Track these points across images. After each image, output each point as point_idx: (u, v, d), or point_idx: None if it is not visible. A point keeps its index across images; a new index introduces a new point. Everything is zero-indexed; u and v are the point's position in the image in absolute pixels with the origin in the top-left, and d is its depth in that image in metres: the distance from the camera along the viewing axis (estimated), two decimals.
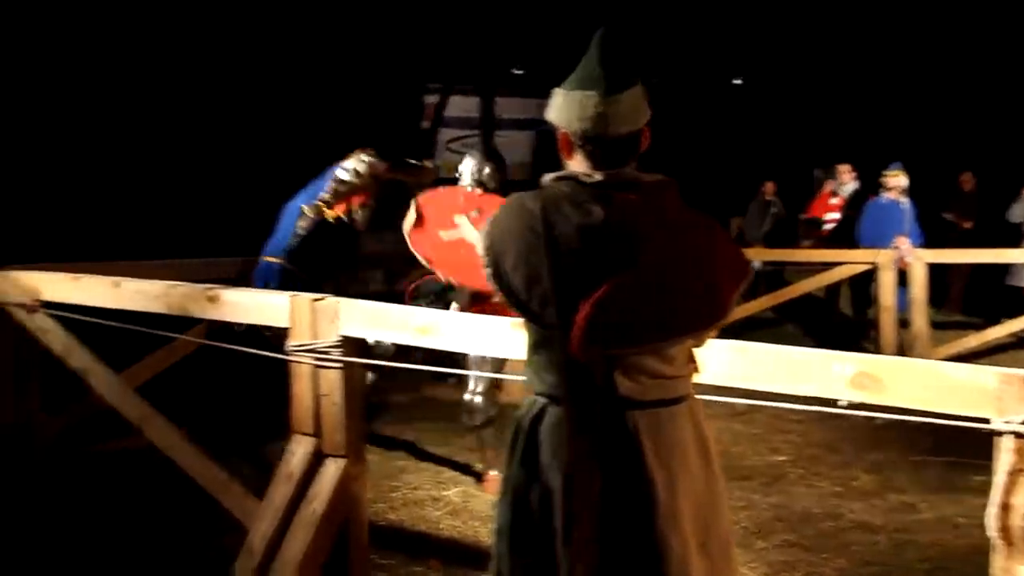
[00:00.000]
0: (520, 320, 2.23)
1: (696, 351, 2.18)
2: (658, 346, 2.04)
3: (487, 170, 5.71)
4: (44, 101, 12.61)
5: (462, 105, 19.91)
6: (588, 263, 1.99)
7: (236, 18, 14.44)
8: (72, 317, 4.17)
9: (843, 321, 10.01)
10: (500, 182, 5.77)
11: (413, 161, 6.17)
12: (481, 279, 5.78)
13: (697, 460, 2.13)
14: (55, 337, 4.19)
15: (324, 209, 5.70)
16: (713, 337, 2.26)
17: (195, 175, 13.04)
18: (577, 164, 2.13)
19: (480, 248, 2.14)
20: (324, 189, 5.72)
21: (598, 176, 2.06)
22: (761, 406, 2.66)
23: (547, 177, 2.14)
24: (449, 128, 20.06)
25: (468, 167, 5.67)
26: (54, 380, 4.55)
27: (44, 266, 4.42)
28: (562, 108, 2.11)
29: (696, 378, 2.21)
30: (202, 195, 12.64)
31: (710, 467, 2.16)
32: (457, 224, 5.35)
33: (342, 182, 5.71)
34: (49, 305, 4.21)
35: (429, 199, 5.52)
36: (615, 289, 1.96)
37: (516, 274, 2.06)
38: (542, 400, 2.14)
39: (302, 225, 5.69)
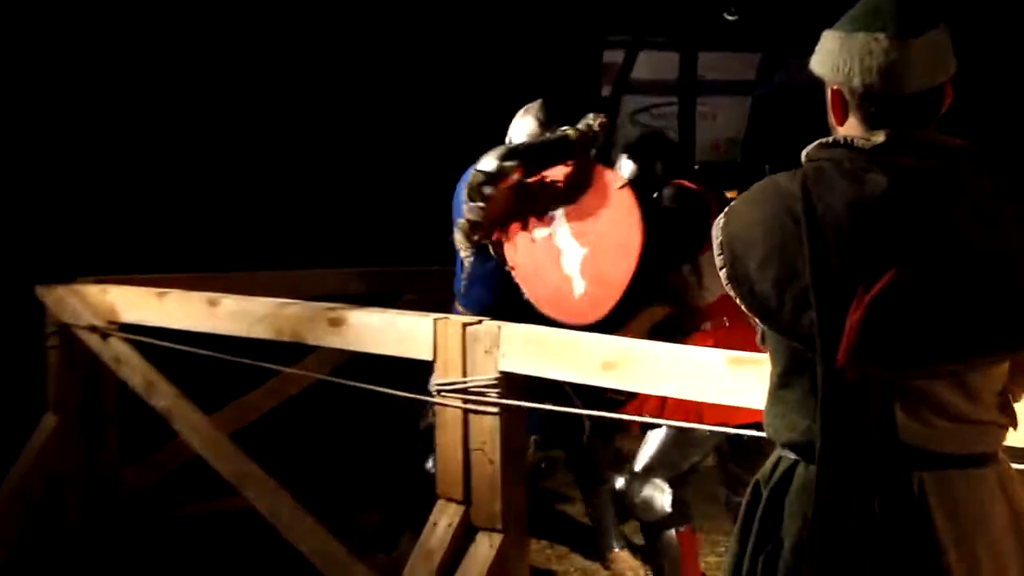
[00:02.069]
0: (742, 354, 2.13)
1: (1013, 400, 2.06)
2: (958, 368, 1.94)
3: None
4: (134, 97, 13.33)
5: (654, 64, 19.70)
6: (862, 250, 1.93)
7: None
8: (156, 344, 4.30)
9: None
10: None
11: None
12: (564, 309, 4.55)
13: (1010, 545, 2.02)
14: (134, 368, 4.33)
15: (471, 239, 4.71)
16: None
17: (335, 159, 13.47)
18: (851, 129, 2.08)
19: (713, 247, 2.12)
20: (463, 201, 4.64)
21: (879, 138, 2.00)
22: None
23: (809, 148, 2.10)
24: (636, 95, 19.98)
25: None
26: (134, 423, 4.70)
27: (123, 278, 4.57)
28: (837, 55, 2.06)
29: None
30: (342, 184, 13.05)
31: None
32: (552, 216, 4.61)
33: (482, 195, 4.53)
34: (127, 328, 4.35)
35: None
36: (900, 284, 1.88)
37: (763, 274, 2.01)
38: (790, 456, 2.08)
39: (464, 260, 4.82)
